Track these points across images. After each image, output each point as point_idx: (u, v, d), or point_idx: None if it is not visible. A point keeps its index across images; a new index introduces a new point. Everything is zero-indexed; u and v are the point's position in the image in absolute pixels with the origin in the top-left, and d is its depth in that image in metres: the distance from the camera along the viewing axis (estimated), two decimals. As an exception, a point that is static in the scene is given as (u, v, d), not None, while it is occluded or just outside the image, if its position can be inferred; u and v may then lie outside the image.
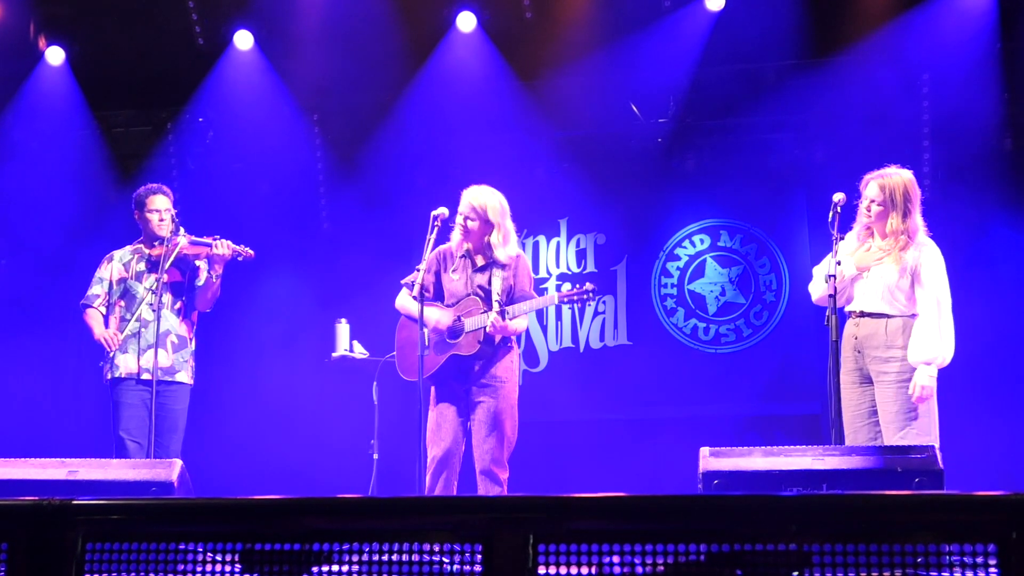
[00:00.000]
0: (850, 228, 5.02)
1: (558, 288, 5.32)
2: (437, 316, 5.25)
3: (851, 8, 7.11)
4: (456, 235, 5.33)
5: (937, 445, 4.62)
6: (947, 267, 4.88)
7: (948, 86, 7.08)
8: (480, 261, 5.33)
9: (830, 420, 4.75)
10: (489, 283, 5.26)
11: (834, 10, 7.13)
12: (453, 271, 5.31)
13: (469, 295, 5.27)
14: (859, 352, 4.82)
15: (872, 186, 4.89)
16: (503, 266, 5.28)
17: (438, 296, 5.35)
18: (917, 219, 4.85)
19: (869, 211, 4.88)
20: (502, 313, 5.15)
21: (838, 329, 4.74)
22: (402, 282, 5.41)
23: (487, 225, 5.26)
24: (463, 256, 5.34)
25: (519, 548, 2.17)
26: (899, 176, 4.88)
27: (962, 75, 7.00)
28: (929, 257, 4.78)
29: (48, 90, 8.03)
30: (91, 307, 5.76)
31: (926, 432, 4.61)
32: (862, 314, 4.84)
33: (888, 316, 4.77)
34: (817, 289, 4.92)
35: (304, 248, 8.31)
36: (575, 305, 5.45)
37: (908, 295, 4.78)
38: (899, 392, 4.68)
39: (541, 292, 5.60)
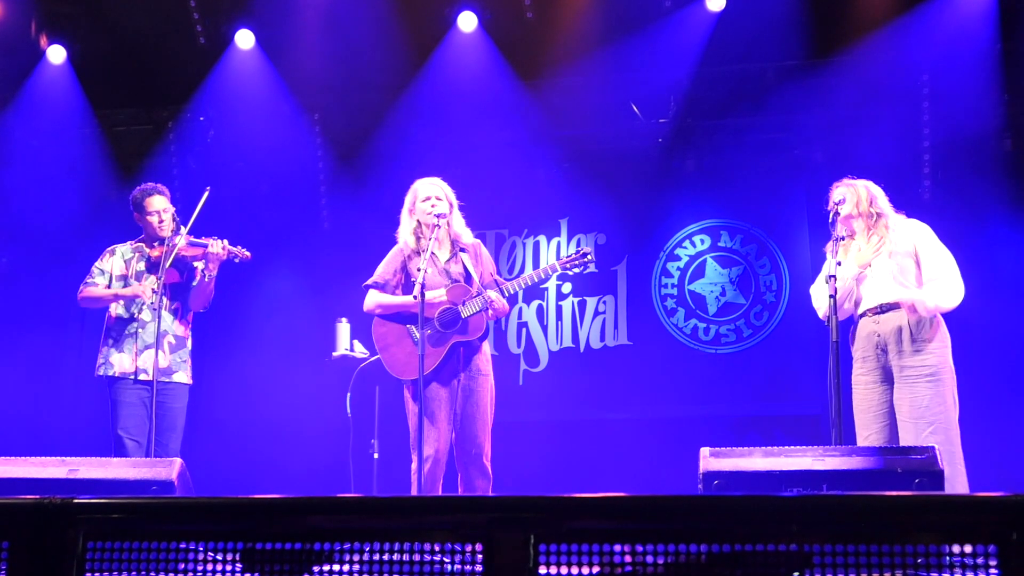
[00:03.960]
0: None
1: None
2: (429, 297, 5.06)
3: (851, 8, 7.12)
4: (406, 233, 5.29)
5: (959, 448, 4.63)
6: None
7: (948, 86, 7.09)
8: (446, 251, 5.31)
9: (830, 420, 4.74)
10: (465, 269, 5.25)
11: (834, 10, 7.14)
12: (425, 266, 5.12)
13: (452, 283, 5.21)
14: (881, 350, 4.80)
15: (835, 192, 5.00)
16: (466, 250, 5.28)
17: (407, 291, 5.25)
18: (887, 206, 4.94)
19: (839, 212, 4.94)
20: (500, 291, 5.17)
21: (839, 330, 4.74)
22: (365, 284, 5.37)
23: (451, 208, 5.28)
24: (427, 251, 5.26)
25: (520, 548, 2.17)
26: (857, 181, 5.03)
27: (962, 75, 7.01)
28: (916, 234, 4.87)
29: (49, 89, 8.03)
30: (91, 286, 5.70)
31: (944, 433, 4.59)
32: (880, 309, 4.84)
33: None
34: (820, 303, 4.93)
35: (304, 248, 8.31)
36: (575, 270, 5.38)
37: (916, 276, 4.81)
38: (923, 389, 4.67)
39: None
